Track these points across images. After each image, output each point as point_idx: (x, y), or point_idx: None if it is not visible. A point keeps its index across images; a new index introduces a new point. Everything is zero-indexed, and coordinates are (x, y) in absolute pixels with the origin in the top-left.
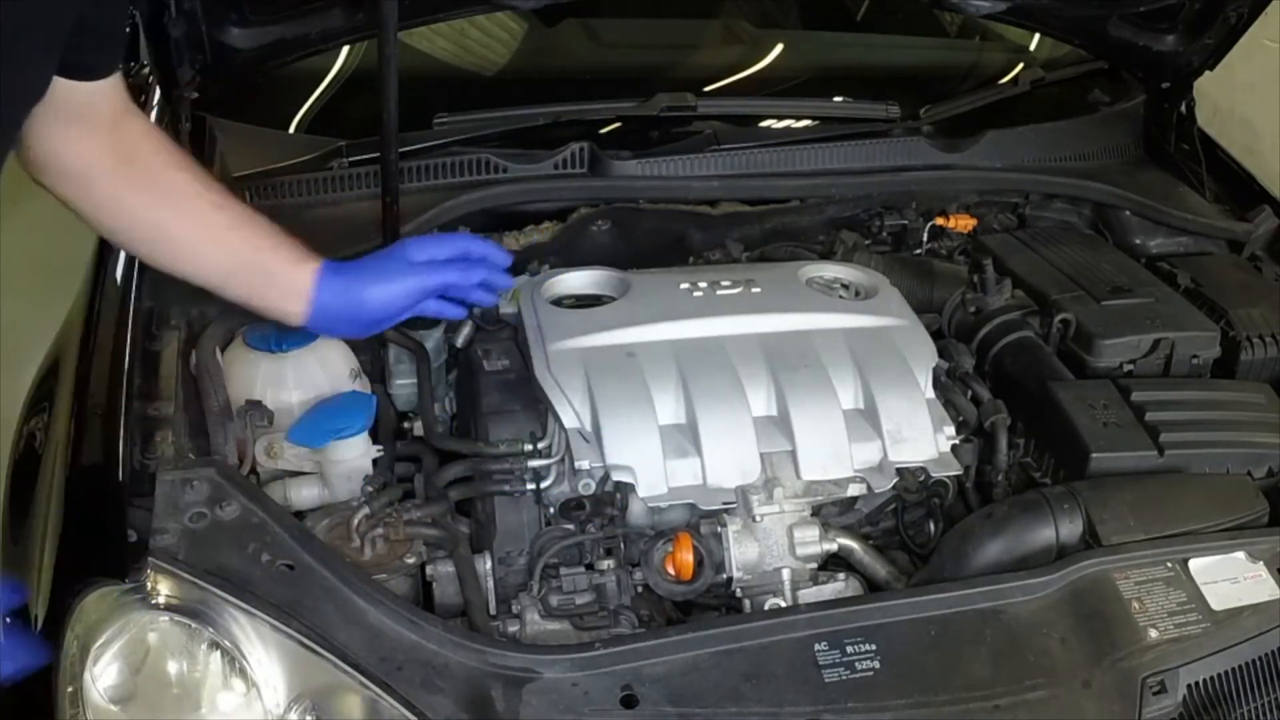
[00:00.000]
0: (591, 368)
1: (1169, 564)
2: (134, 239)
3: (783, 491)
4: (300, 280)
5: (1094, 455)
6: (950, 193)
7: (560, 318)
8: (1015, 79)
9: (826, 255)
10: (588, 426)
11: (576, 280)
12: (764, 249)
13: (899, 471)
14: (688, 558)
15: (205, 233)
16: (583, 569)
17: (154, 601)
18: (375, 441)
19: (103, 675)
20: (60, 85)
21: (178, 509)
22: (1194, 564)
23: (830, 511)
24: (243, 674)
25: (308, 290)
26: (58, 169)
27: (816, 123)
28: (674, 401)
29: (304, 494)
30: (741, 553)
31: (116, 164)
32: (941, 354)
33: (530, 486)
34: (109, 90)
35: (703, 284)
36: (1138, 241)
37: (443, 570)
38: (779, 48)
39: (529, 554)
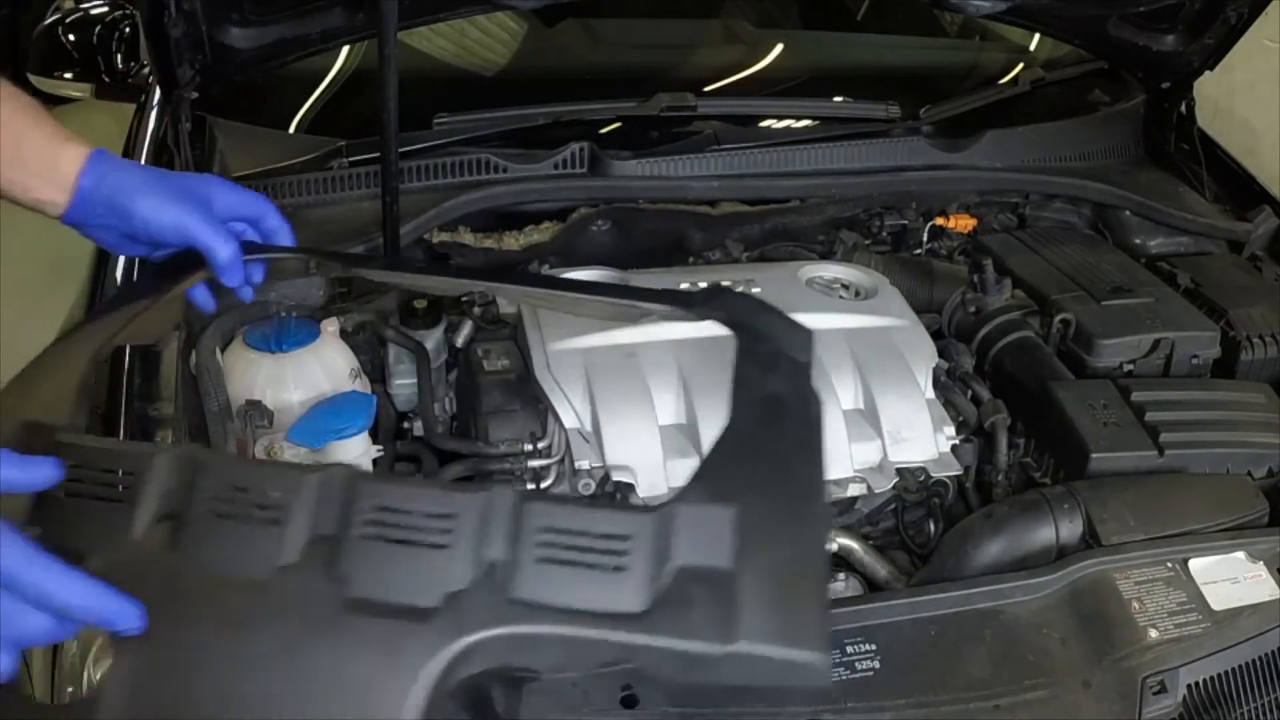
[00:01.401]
0: (591, 368)
1: (1169, 564)
2: None
3: None
4: (68, 163)
5: (1094, 455)
6: (950, 193)
7: (560, 318)
8: (1015, 79)
9: (826, 255)
10: (588, 426)
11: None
12: (764, 249)
13: (899, 471)
14: None
15: None
16: None
17: None
18: (375, 441)
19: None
20: None
21: None
22: (1194, 564)
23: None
24: None
25: (75, 171)
26: None
27: (816, 123)
28: (674, 401)
29: None
30: None
31: None
32: (941, 354)
33: (530, 486)
34: None
35: (702, 284)
36: (1138, 241)
37: None
38: (779, 48)
39: None
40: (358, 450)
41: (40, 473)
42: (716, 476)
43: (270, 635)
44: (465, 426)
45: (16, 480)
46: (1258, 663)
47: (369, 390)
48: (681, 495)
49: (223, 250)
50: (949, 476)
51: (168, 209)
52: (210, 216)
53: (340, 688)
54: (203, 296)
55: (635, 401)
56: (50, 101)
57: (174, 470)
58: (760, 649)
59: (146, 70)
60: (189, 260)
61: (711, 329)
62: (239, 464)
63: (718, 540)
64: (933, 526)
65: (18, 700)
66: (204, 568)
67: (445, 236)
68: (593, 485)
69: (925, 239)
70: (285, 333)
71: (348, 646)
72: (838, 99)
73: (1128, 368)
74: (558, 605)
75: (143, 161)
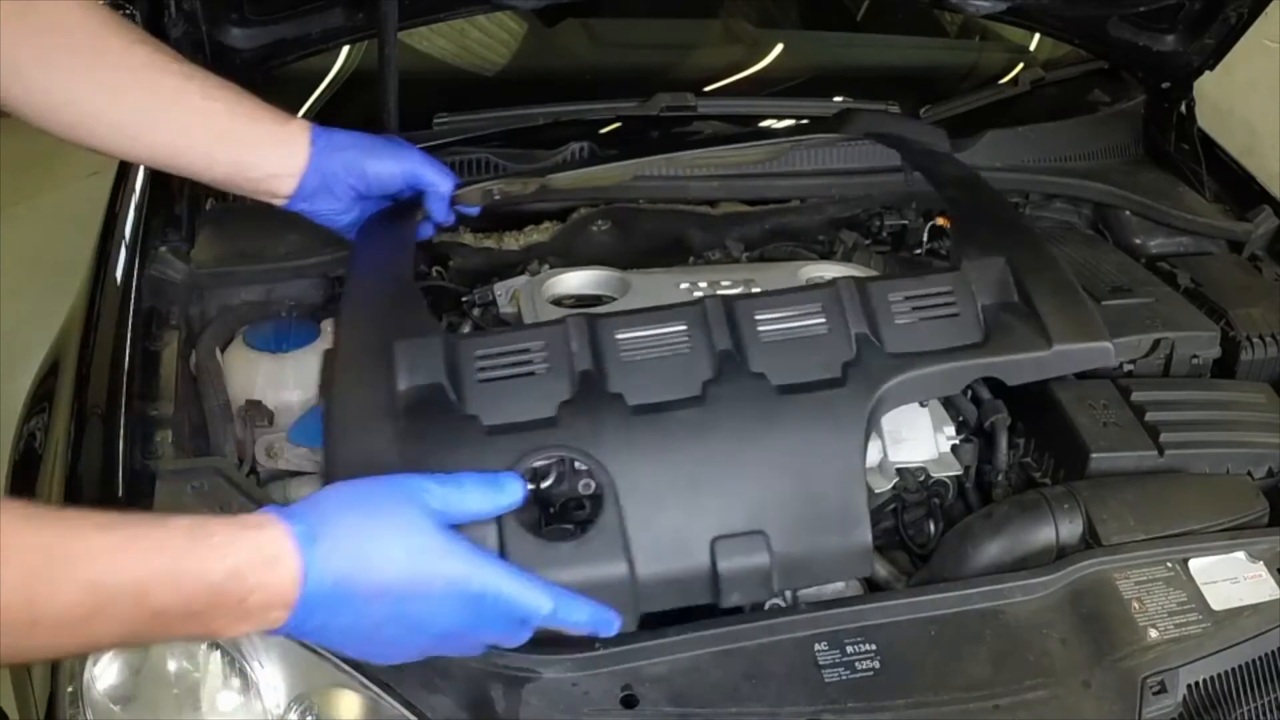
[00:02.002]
0: None
1: (1169, 564)
2: (103, 133)
3: None
4: (294, 136)
5: (1094, 455)
6: None
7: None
8: (1015, 79)
9: (826, 255)
10: None
11: (576, 280)
12: (764, 249)
13: (899, 471)
14: None
15: (185, 110)
16: None
17: None
18: None
19: (103, 675)
20: None
21: (178, 509)
22: (1194, 564)
23: None
24: (242, 674)
25: (305, 143)
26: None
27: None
28: None
29: (304, 494)
30: None
31: (65, 49)
32: None
33: (530, 486)
34: None
35: (703, 284)
36: (1138, 241)
37: None
38: (779, 48)
39: None
40: None
41: (510, 494)
42: (976, 237)
43: (732, 419)
44: None
45: (485, 510)
46: (1258, 663)
47: None
48: (964, 253)
49: (445, 185)
50: (949, 476)
51: (397, 160)
52: (423, 157)
53: (801, 444)
54: (428, 231)
55: None
56: None
57: (582, 332)
58: (1070, 346)
59: None
60: (405, 207)
61: None
62: (626, 315)
63: (1003, 282)
64: (933, 526)
65: None
66: (641, 397)
67: (445, 236)
68: (593, 485)
69: (925, 239)
70: (285, 333)
71: (795, 416)
72: (838, 99)
73: (1128, 368)
74: (924, 349)
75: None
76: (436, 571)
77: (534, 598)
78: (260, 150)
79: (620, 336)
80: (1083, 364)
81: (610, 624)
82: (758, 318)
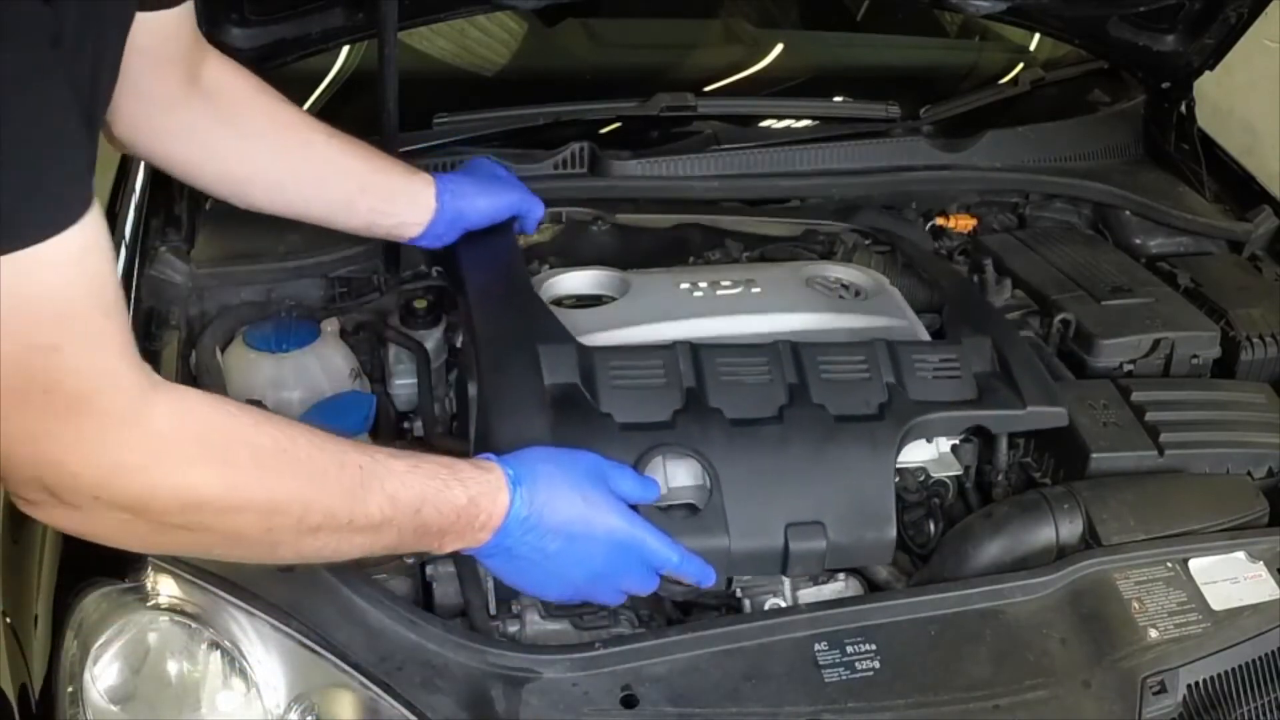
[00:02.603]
0: None
1: (1169, 564)
2: (255, 187)
3: None
4: (422, 188)
5: (1094, 455)
6: (950, 193)
7: (560, 317)
8: (1015, 79)
9: (827, 255)
10: None
11: (576, 280)
12: (764, 249)
13: (899, 471)
14: None
15: (328, 166)
16: None
17: (154, 601)
18: (375, 441)
19: (103, 675)
20: (140, 23)
21: None
22: (1194, 564)
23: None
24: (243, 674)
25: (432, 195)
26: (154, 129)
27: (816, 123)
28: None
29: None
30: None
31: (218, 108)
32: None
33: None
34: (187, 17)
35: (703, 284)
36: (1138, 241)
37: (443, 570)
38: (779, 48)
39: None
40: None
41: (650, 493)
42: (966, 321)
43: (802, 437)
44: (465, 427)
45: (631, 497)
46: (1258, 663)
47: (369, 390)
48: (957, 333)
49: (539, 211)
50: (949, 476)
51: (506, 196)
52: (520, 186)
53: (851, 460)
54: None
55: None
56: None
57: (687, 357)
58: (1038, 409)
59: None
60: (501, 226)
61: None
62: (722, 347)
63: (987, 356)
64: (933, 526)
65: None
66: (735, 413)
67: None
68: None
69: None
70: (285, 333)
71: (847, 440)
72: (838, 99)
73: (1128, 368)
74: (936, 400)
75: (143, 163)
76: (602, 520)
77: (667, 551)
78: (394, 202)
79: (718, 361)
80: (1045, 424)
81: (711, 578)
82: (819, 359)
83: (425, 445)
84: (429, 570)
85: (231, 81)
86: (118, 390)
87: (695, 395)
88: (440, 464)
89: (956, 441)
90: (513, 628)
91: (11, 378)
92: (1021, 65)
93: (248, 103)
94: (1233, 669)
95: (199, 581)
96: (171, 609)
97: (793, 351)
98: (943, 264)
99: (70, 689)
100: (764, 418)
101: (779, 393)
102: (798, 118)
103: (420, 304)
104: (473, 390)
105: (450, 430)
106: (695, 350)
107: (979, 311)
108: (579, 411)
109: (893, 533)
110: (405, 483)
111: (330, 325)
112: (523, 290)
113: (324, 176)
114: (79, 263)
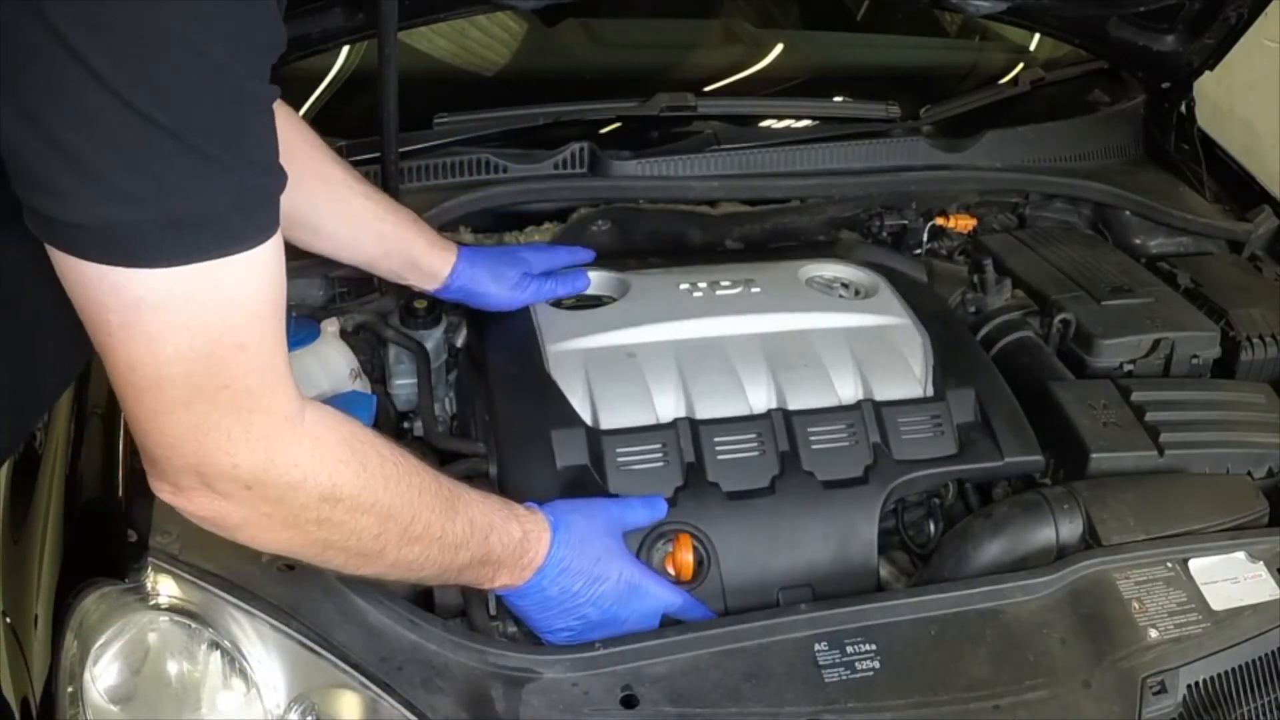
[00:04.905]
0: (592, 368)
1: (1169, 564)
2: (317, 241)
3: None
4: (440, 266)
5: (1094, 455)
6: (950, 193)
7: (560, 319)
8: (1015, 79)
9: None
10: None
11: None
12: (764, 249)
13: None
14: (688, 558)
15: (361, 225)
16: None
17: (154, 601)
18: None
19: (103, 675)
20: None
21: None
22: (1194, 564)
23: None
24: (243, 674)
25: (445, 276)
26: None
27: (816, 123)
28: (674, 401)
29: None
30: None
31: (304, 176)
32: None
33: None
34: None
35: (702, 284)
36: (1138, 241)
37: None
38: (779, 48)
39: None
40: None
41: (660, 511)
42: (953, 369)
43: (793, 505)
44: (465, 426)
45: (647, 521)
46: (1258, 663)
47: (369, 390)
48: (944, 385)
49: (580, 285)
50: None
51: (504, 296)
52: (530, 282)
53: (838, 525)
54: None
55: (635, 402)
56: None
57: (686, 435)
58: (1016, 459)
59: None
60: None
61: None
62: (718, 423)
63: (970, 407)
64: (933, 526)
65: None
66: (731, 485)
67: (446, 237)
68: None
69: (925, 239)
70: (285, 333)
71: (834, 505)
72: (838, 99)
73: (1128, 368)
74: (920, 458)
75: None
76: (617, 565)
77: (671, 596)
78: (408, 273)
79: (715, 439)
80: (1023, 471)
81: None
82: (809, 428)
83: (425, 445)
84: None
85: (285, 128)
86: (284, 390)
87: (695, 470)
88: (500, 500)
89: None
90: (513, 628)
91: (196, 373)
92: (1021, 65)
93: (304, 157)
94: (1233, 669)
95: (199, 582)
96: (171, 609)
97: (785, 420)
98: (933, 300)
99: (70, 689)
100: (758, 489)
101: (771, 462)
102: (798, 118)
103: (420, 304)
104: (493, 471)
105: (451, 430)
106: (695, 427)
107: (965, 360)
108: (589, 494)
109: (873, 583)
110: (480, 509)
111: (330, 325)
112: (540, 376)
113: (356, 237)
114: (272, 267)
